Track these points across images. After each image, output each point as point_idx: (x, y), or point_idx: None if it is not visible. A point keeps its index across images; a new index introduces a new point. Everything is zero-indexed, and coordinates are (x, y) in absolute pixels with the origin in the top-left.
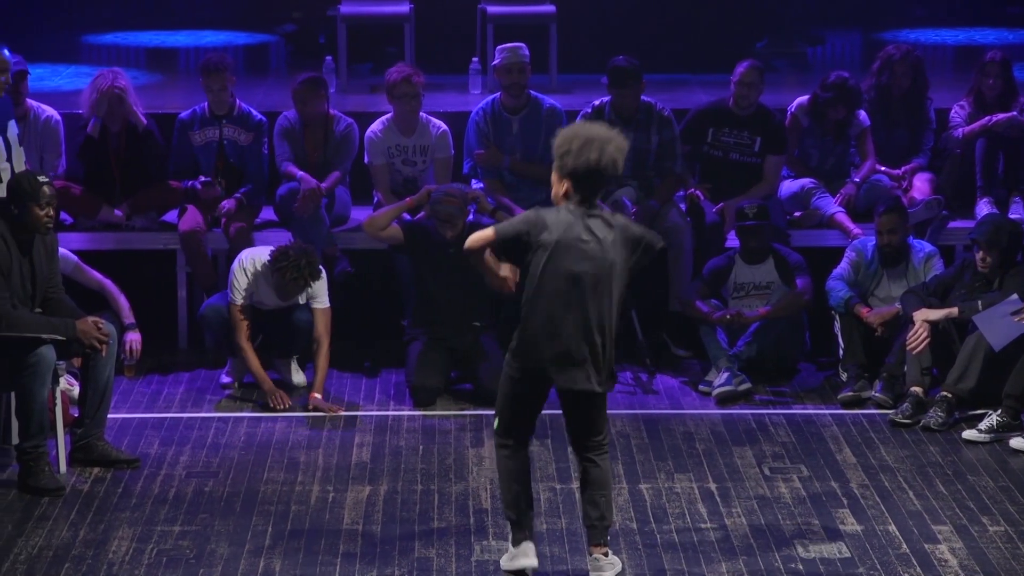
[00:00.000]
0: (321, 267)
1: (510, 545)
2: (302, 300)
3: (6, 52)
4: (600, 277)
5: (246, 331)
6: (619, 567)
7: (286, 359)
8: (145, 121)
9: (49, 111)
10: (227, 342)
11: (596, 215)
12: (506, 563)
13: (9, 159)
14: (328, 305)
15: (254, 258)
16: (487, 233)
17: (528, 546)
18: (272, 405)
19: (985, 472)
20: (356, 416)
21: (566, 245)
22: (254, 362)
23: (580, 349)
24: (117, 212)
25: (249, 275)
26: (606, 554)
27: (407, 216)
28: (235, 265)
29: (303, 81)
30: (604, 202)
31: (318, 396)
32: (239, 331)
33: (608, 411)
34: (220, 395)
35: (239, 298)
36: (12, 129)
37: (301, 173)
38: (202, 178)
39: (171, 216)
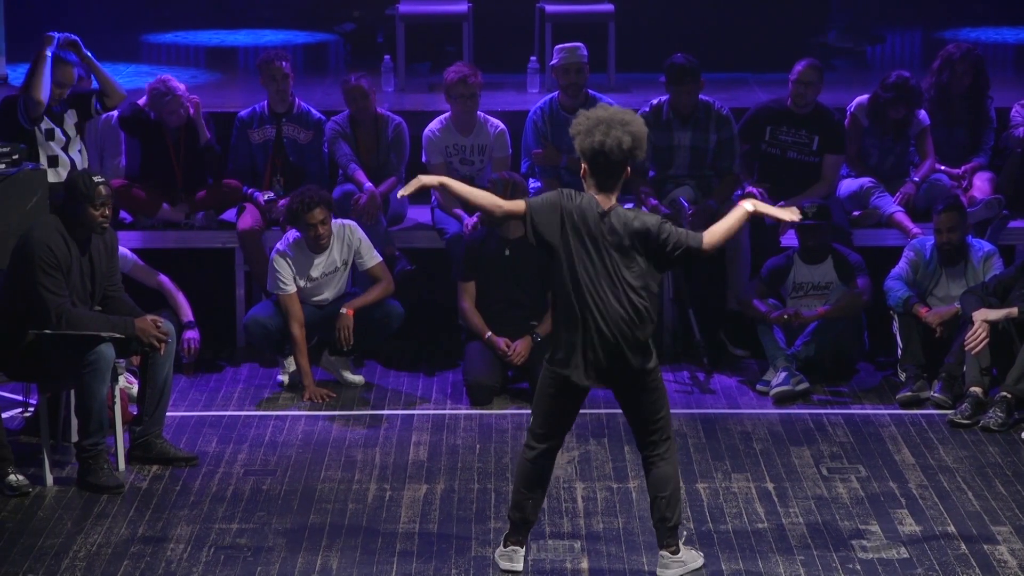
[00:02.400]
0: (355, 222)
1: (501, 543)
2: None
3: (74, 69)
4: (608, 270)
5: (300, 318)
6: (692, 563)
7: (342, 358)
8: (208, 135)
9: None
10: (270, 350)
11: (611, 208)
12: (496, 556)
13: (66, 149)
14: (380, 258)
15: (285, 240)
16: (519, 204)
17: (517, 553)
18: (314, 400)
19: None
20: (413, 415)
21: (591, 226)
22: (302, 354)
23: (600, 343)
24: (176, 211)
25: (286, 259)
26: (675, 552)
27: (467, 222)
28: (272, 257)
29: (351, 87)
30: (660, 201)
31: (349, 313)
32: (292, 319)
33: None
34: (277, 393)
35: (287, 288)
36: (69, 118)
37: (368, 184)
38: (269, 195)
39: (230, 215)
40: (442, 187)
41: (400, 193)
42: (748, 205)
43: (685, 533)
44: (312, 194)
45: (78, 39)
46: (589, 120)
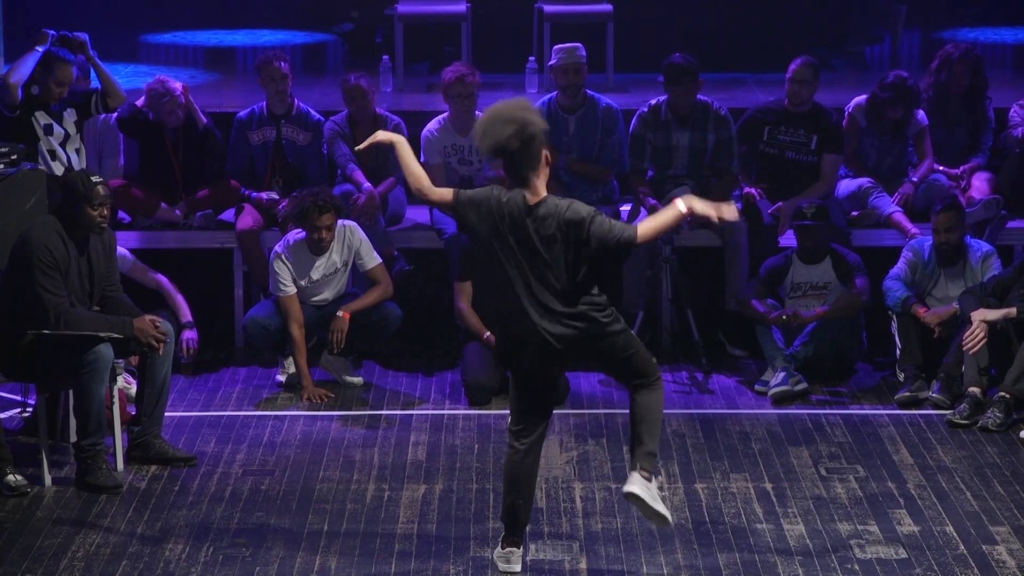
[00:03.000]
0: (355, 223)
1: (499, 544)
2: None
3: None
4: (533, 268)
5: (299, 319)
6: (658, 504)
7: (341, 358)
8: (205, 120)
9: None
10: (270, 350)
11: (540, 200)
12: (494, 557)
13: (64, 145)
14: (379, 260)
15: (285, 241)
16: (446, 193)
17: (513, 553)
18: (312, 401)
19: None
20: (412, 415)
21: (512, 224)
22: (301, 355)
23: (539, 328)
24: (175, 211)
25: (286, 261)
26: (647, 478)
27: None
28: (271, 259)
29: (350, 87)
30: (659, 201)
31: (345, 317)
32: (291, 320)
33: (664, 410)
34: (276, 393)
35: (287, 289)
36: (68, 116)
37: (367, 184)
38: (271, 195)
39: (228, 215)
40: (394, 145)
41: (359, 148)
42: (682, 205)
43: (661, 478)
44: (326, 197)
45: (86, 38)
46: (479, 124)
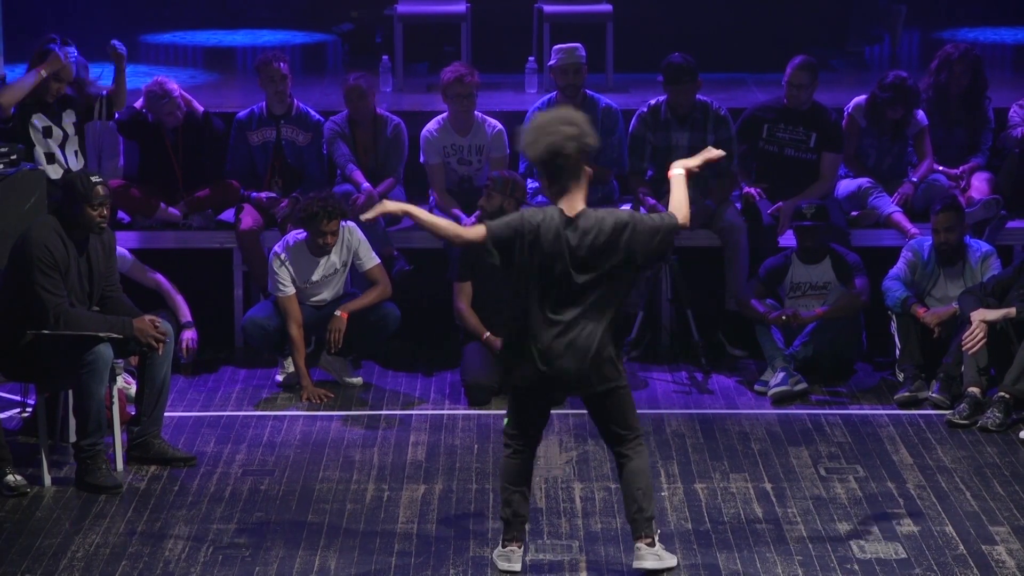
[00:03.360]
0: (354, 223)
1: (500, 543)
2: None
3: (72, 59)
4: (569, 275)
5: (298, 319)
6: (667, 560)
7: (340, 358)
8: (201, 108)
9: None
10: (269, 350)
11: (579, 213)
12: (495, 556)
13: (63, 147)
14: (378, 261)
15: (284, 242)
16: (479, 231)
17: (514, 552)
18: (312, 401)
19: None
20: (411, 415)
21: (547, 246)
22: (299, 355)
23: (565, 354)
24: (174, 211)
25: (285, 262)
26: (651, 544)
27: (465, 222)
28: (271, 259)
29: (350, 88)
30: (658, 201)
31: (343, 316)
32: (291, 320)
33: (664, 411)
34: (276, 394)
35: (286, 290)
36: (67, 118)
37: (366, 184)
38: (270, 194)
39: (228, 215)
40: (406, 215)
41: (364, 217)
42: (678, 170)
43: (660, 529)
44: (334, 204)
45: (124, 52)
46: (531, 130)
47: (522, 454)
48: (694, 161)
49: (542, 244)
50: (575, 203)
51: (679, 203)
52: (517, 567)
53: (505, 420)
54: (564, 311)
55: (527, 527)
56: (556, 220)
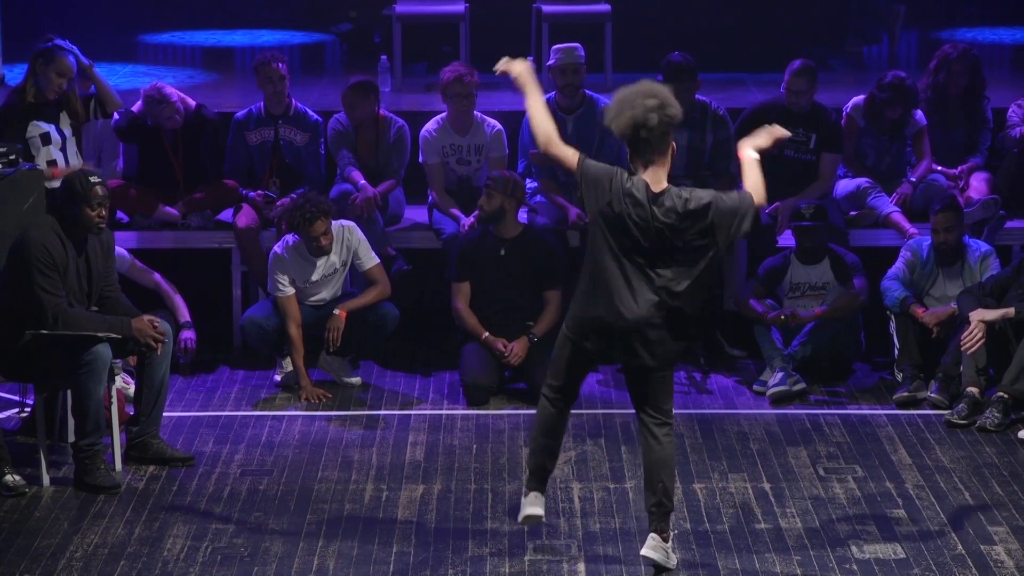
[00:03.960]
0: (354, 223)
1: (523, 492)
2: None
3: (71, 58)
4: (650, 248)
5: (297, 319)
6: (671, 561)
7: (339, 358)
8: (194, 103)
9: None
10: (268, 350)
11: (664, 190)
12: (521, 501)
13: (63, 149)
14: (378, 260)
15: (284, 242)
16: (573, 153)
17: (537, 496)
18: (310, 401)
19: None
20: (410, 415)
21: (633, 212)
22: (298, 355)
23: (625, 322)
24: (173, 211)
25: (284, 264)
26: (665, 540)
27: (464, 222)
28: (270, 260)
29: (351, 86)
30: None
31: (342, 315)
32: (290, 320)
33: None
34: (274, 393)
35: (285, 290)
36: (64, 119)
37: (363, 182)
38: (265, 192)
39: (226, 215)
40: (520, 80)
41: (497, 68)
42: (751, 152)
43: (675, 530)
44: (311, 206)
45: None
46: (616, 104)
47: (563, 407)
48: (763, 140)
49: (627, 206)
50: (660, 178)
51: (755, 183)
52: (540, 511)
53: (548, 374)
54: (639, 278)
55: (526, 529)
56: (643, 192)
